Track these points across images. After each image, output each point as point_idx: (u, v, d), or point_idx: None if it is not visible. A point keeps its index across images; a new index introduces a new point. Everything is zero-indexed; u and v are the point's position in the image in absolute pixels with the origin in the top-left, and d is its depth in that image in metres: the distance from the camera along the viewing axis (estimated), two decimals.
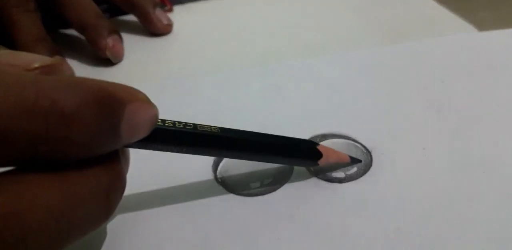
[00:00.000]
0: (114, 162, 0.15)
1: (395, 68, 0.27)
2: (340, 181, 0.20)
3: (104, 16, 0.33)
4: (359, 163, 0.21)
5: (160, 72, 0.30)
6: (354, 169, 0.21)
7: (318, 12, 0.35)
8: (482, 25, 0.31)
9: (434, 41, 0.29)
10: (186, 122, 0.17)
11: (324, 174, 0.21)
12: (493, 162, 0.21)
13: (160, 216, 0.20)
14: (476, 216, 0.18)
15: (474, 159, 0.21)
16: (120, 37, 0.33)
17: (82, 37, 0.33)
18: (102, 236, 0.19)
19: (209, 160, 0.22)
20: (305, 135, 0.23)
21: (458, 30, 0.31)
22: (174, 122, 0.17)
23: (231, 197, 0.20)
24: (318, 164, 0.20)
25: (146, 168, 0.22)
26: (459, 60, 0.27)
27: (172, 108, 0.26)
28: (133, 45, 0.33)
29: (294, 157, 0.20)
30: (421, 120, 0.23)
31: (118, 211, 0.20)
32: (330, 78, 0.27)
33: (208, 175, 0.21)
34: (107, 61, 0.32)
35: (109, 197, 0.14)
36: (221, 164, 0.22)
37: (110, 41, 0.31)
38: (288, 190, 0.20)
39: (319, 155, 0.20)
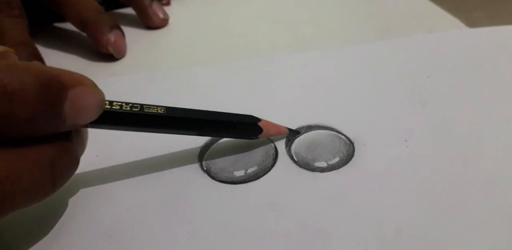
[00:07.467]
0: (64, 140, 0.16)
1: (382, 63, 0.27)
2: (322, 170, 0.21)
3: (104, 11, 0.32)
4: (297, 134, 0.23)
5: (154, 65, 0.31)
6: (336, 159, 0.21)
7: (311, 7, 0.36)
8: (476, 24, 0.31)
9: (422, 37, 0.30)
10: (133, 104, 0.18)
11: (306, 163, 0.21)
12: (474, 155, 0.21)
13: (144, 202, 0.20)
14: (454, 207, 0.19)
15: (454, 151, 0.21)
16: (122, 32, 0.32)
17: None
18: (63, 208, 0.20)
19: (195, 148, 0.22)
20: (292, 125, 0.23)
21: (449, 28, 0.31)
22: (121, 104, 0.17)
23: (215, 184, 0.21)
24: (258, 137, 0.22)
25: (132, 156, 0.22)
26: (446, 56, 0.28)
27: (162, 100, 0.26)
28: (128, 39, 0.33)
29: (236, 131, 0.21)
30: (405, 113, 0.24)
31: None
32: (318, 72, 0.27)
33: (194, 162, 0.22)
34: (109, 56, 0.31)
35: (54, 169, 0.16)
36: (207, 152, 0.22)
37: (112, 36, 0.31)
38: (270, 178, 0.21)
39: (259, 129, 0.21)
